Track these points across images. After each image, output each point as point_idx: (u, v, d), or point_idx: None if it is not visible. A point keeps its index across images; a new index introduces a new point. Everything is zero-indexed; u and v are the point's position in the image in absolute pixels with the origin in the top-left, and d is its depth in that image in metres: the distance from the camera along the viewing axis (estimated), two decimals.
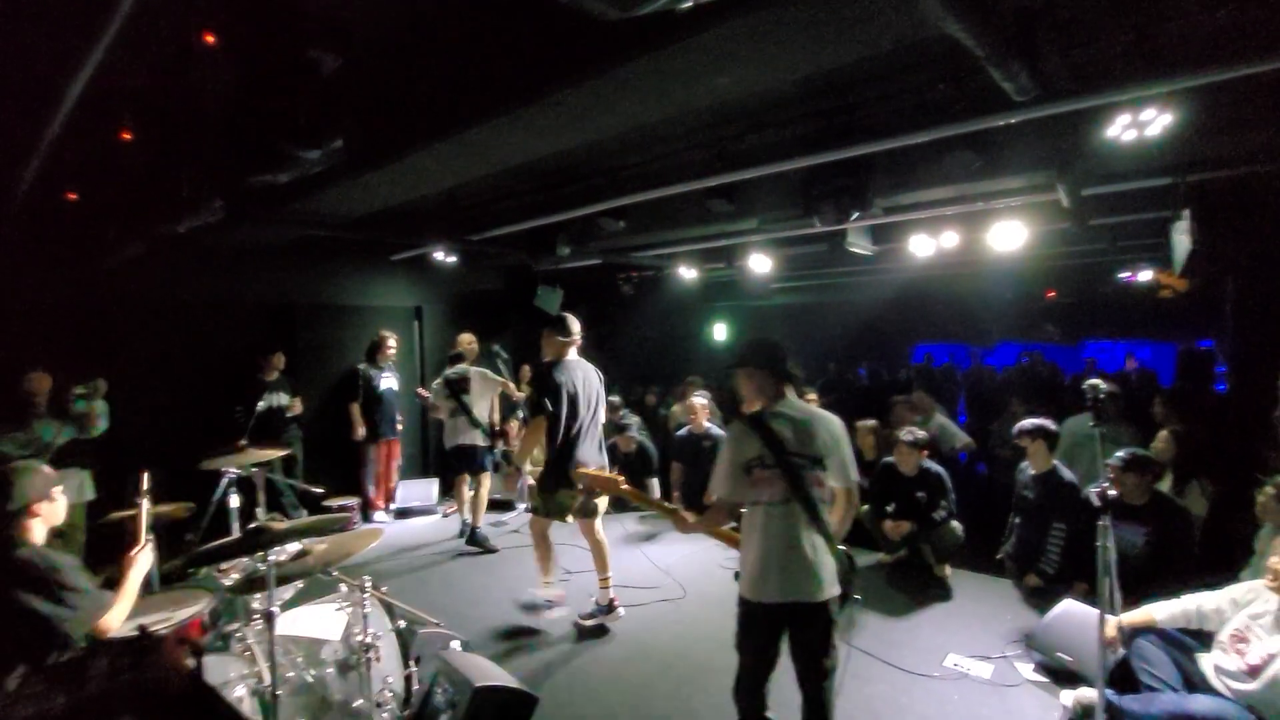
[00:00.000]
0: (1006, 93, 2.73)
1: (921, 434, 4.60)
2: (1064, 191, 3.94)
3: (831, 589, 2.34)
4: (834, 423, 2.47)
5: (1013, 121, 3.00)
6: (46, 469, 2.30)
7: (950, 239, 5.45)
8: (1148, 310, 9.76)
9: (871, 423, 5.54)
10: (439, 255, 6.37)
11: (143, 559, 2.45)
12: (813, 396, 6.12)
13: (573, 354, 4.02)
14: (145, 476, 3.07)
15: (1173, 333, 10.93)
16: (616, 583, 4.11)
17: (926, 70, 3.20)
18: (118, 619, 2.26)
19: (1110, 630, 2.69)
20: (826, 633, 2.36)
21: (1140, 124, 3.08)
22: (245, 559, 3.10)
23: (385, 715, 2.65)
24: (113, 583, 2.36)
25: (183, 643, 2.40)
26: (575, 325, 4.03)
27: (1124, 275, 7.42)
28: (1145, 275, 7.13)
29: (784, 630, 2.39)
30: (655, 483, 6.22)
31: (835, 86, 3.47)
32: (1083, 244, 6.52)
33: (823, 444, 2.39)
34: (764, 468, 2.35)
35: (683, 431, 6.24)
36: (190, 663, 2.21)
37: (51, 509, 2.26)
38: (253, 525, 2.44)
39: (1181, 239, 4.08)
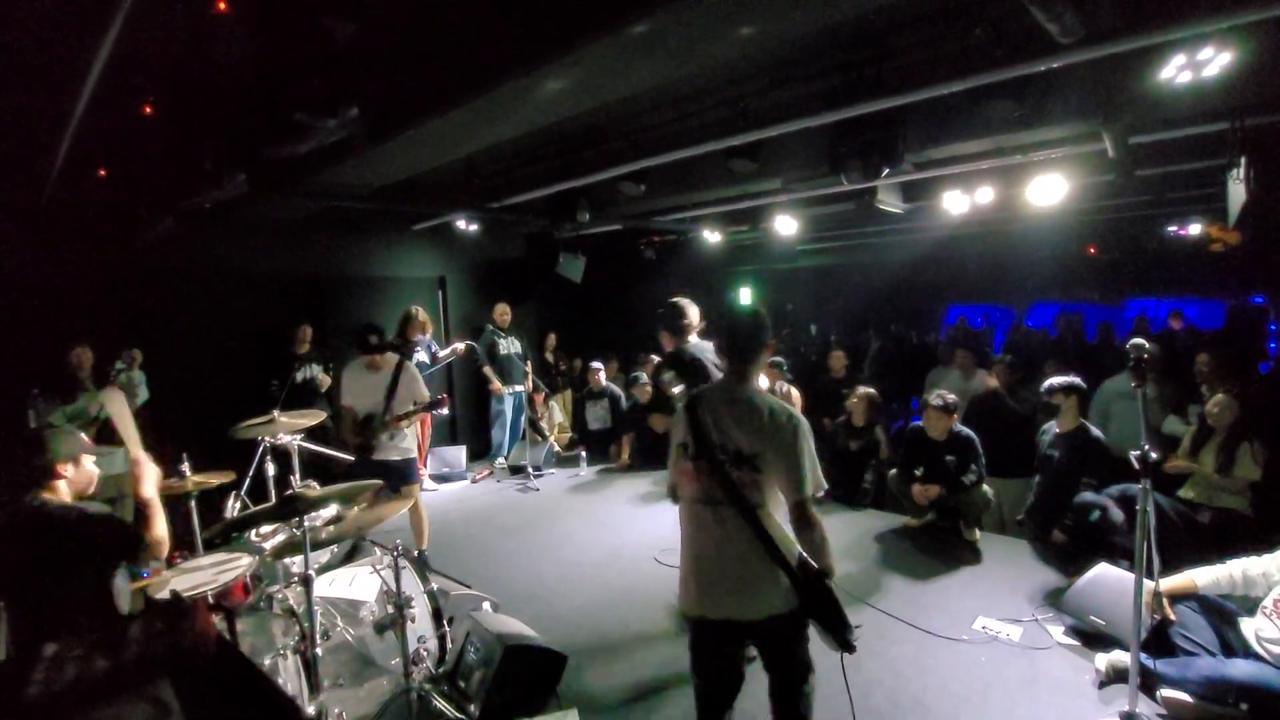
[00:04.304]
0: (1050, 35, 2.55)
1: (951, 398, 4.50)
2: (1110, 140, 3.72)
3: (775, 606, 2.00)
4: (782, 417, 2.02)
5: (1055, 66, 2.82)
6: (83, 438, 2.32)
7: (985, 194, 5.22)
8: (1196, 265, 9.30)
9: (870, 390, 5.44)
10: (460, 224, 6.37)
11: (148, 470, 2.35)
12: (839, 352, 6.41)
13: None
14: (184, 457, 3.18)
15: (1222, 289, 10.44)
16: (649, 541, 4.15)
17: (961, 14, 3.01)
18: (161, 530, 2.30)
19: (1149, 597, 2.63)
20: (780, 651, 2.10)
21: (1197, 64, 2.86)
22: (282, 524, 3.21)
23: (421, 673, 2.75)
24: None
25: (214, 609, 2.46)
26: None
27: (1171, 229, 7.08)
28: (1194, 229, 6.78)
29: (731, 650, 2.13)
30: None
31: (863, 36, 3.29)
32: (1127, 196, 6.21)
33: (755, 440, 2.00)
34: (686, 457, 2.09)
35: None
36: (220, 629, 2.23)
37: (78, 473, 2.26)
38: (288, 492, 2.51)
39: (1236, 188, 3.85)
